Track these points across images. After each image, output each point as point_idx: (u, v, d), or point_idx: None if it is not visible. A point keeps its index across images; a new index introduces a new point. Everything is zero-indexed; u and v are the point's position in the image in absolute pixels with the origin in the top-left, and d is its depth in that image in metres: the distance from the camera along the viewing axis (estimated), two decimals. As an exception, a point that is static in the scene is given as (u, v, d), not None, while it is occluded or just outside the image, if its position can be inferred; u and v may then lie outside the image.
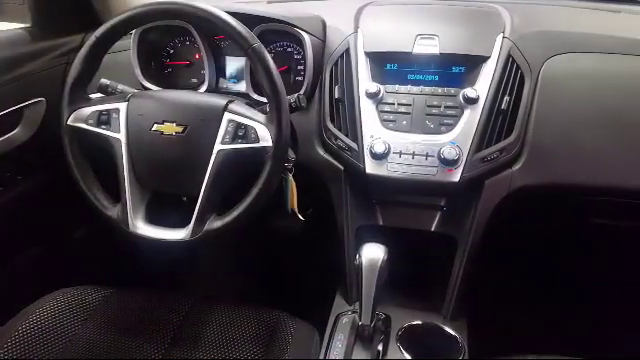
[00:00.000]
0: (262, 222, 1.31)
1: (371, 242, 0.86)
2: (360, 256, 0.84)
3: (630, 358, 0.78)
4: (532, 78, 0.92)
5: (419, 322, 0.95)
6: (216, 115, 0.80)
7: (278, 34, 1.01)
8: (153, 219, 0.84)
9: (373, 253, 0.83)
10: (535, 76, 0.93)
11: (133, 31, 1.02)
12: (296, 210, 0.95)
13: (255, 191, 0.78)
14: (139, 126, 0.82)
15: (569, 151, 0.92)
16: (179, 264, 1.36)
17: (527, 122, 0.92)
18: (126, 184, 0.82)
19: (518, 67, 0.92)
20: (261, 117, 0.80)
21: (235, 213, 0.79)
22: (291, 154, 0.91)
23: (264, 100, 0.81)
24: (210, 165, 0.79)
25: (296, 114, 0.90)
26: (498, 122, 0.90)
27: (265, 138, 0.78)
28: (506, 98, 0.90)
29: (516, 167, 0.92)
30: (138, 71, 1.04)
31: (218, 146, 0.79)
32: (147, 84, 1.05)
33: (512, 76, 0.91)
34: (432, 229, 1.04)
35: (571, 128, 0.92)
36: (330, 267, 1.12)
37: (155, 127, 0.81)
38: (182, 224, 0.81)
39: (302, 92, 0.98)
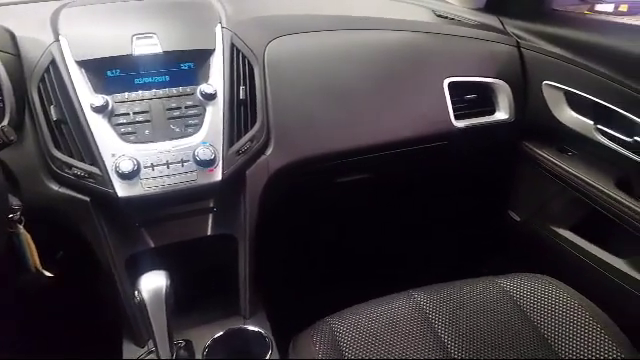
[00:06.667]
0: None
1: (147, 271, 0.77)
2: (140, 291, 0.74)
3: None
4: (259, 64, 0.95)
5: (221, 332, 0.91)
6: None
7: None
8: None
9: (153, 283, 0.74)
10: (261, 62, 0.96)
11: None
12: (39, 267, 0.78)
13: None
14: None
15: (304, 127, 0.99)
16: None
17: (267, 107, 0.95)
18: None
19: (244, 56, 0.93)
20: None
21: None
22: (13, 201, 0.74)
23: None
24: None
25: (6, 151, 0.71)
26: (241, 113, 0.90)
27: None
28: (242, 88, 0.90)
29: (268, 152, 0.95)
30: None
31: None
32: None
33: (241, 65, 0.92)
34: (208, 233, 1.00)
35: (301, 105, 0.99)
36: (109, 311, 0.97)
37: None
38: None
39: (6, 122, 0.78)
